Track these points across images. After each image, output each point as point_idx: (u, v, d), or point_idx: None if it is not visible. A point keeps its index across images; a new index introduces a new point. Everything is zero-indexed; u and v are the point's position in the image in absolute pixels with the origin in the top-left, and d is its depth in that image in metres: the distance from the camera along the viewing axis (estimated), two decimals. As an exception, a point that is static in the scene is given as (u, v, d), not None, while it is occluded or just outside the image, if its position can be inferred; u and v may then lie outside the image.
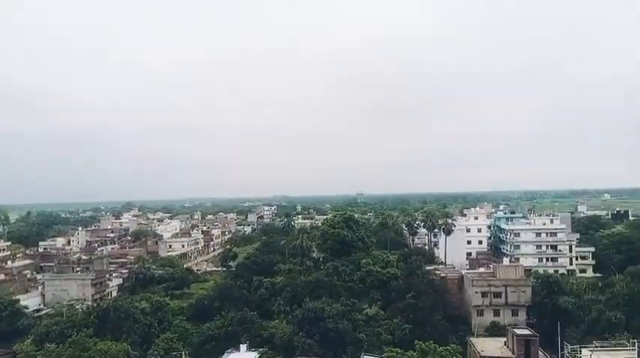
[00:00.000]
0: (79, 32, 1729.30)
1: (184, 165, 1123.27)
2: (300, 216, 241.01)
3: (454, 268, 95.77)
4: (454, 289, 79.06)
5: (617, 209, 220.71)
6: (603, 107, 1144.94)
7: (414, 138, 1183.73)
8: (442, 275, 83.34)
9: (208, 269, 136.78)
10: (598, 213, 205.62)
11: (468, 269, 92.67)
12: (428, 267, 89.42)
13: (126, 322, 62.43)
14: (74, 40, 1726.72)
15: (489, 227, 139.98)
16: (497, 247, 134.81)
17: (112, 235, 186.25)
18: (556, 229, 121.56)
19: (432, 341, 50.44)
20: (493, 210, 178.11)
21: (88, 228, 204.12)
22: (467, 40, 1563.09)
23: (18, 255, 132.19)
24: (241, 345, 50.41)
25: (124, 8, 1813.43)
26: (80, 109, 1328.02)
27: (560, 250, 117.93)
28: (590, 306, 66.57)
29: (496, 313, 71.13)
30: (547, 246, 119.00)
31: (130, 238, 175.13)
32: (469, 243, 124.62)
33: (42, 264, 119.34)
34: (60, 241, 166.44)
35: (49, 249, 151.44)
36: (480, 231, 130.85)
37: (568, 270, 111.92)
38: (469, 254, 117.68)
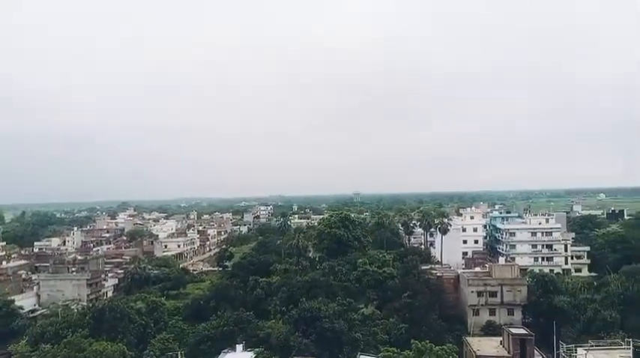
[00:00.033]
0: (79, 32, 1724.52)
1: (180, 165, 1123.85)
2: (296, 216, 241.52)
3: (450, 267, 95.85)
4: (450, 288, 79.17)
5: (612, 208, 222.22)
6: (601, 107, 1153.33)
7: (411, 138, 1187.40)
8: (438, 274, 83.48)
9: (204, 269, 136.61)
10: (593, 212, 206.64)
11: (463, 268, 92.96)
12: (424, 267, 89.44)
13: (121, 322, 62.18)
14: (74, 40, 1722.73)
15: (485, 226, 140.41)
16: (492, 246, 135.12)
17: (107, 235, 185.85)
18: (551, 228, 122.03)
19: (428, 341, 50.36)
20: (489, 210, 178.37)
21: (84, 228, 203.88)
22: (467, 40, 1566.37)
23: (13, 256, 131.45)
24: (237, 345, 50.26)
25: (123, 9, 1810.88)
26: (80, 109, 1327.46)
27: (555, 249, 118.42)
28: (585, 305, 66.79)
29: (492, 312, 71.31)
30: (542, 246, 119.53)
31: (125, 238, 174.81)
32: (465, 242, 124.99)
33: (37, 265, 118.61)
34: (55, 241, 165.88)
35: (44, 249, 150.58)
36: (475, 230, 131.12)
37: (563, 270, 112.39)
38: (465, 253, 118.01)
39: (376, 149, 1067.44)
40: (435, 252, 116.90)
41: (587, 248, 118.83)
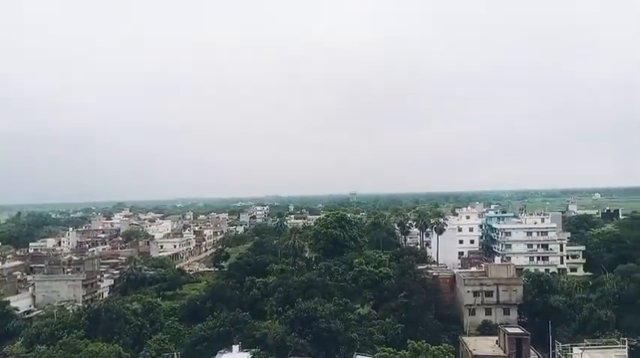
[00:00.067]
0: (79, 32, 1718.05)
1: (180, 165, 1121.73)
2: (292, 216, 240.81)
3: (446, 267, 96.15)
4: (446, 288, 79.36)
5: (608, 208, 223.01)
6: (601, 107, 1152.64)
7: (410, 138, 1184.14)
8: (434, 274, 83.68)
9: (200, 269, 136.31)
10: (588, 212, 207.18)
11: (459, 268, 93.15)
12: (420, 267, 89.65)
13: (117, 323, 61.97)
14: (74, 40, 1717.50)
15: (481, 226, 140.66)
16: (488, 246, 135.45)
17: (103, 236, 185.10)
18: (547, 228, 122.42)
19: (424, 341, 50.42)
20: (485, 210, 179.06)
21: (79, 229, 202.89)
22: (467, 40, 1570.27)
23: (8, 256, 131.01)
24: (234, 346, 50.20)
25: (123, 8, 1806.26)
26: (80, 109, 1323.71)
27: (551, 249, 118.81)
28: (580, 305, 67.12)
29: (488, 312, 71.56)
30: (538, 245, 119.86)
31: (121, 239, 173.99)
32: (461, 242, 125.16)
33: (32, 265, 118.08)
34: (50, 242, 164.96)
35: (39, 250, 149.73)
36: (471, 230, 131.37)
37: (559, 269, 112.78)
38: (461, 253, 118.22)
39: (376, 149, 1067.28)
40: (431, 252, 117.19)
41: (583, 247, 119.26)
